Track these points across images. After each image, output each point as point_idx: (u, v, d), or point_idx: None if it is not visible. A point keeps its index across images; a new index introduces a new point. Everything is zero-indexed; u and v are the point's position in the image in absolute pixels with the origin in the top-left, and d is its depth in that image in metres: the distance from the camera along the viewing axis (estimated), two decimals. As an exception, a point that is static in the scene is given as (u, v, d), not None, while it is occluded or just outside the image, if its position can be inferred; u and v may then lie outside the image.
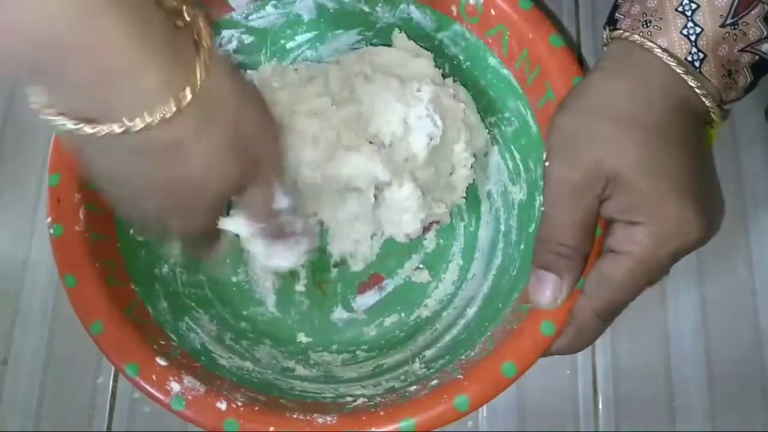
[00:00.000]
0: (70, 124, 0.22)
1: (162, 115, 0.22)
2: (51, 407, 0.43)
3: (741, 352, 0.42)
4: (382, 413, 0.30)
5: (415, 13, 0.40)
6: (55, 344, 0.44)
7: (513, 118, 0.39)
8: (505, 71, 0.38)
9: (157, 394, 0.31)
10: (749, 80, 0.29)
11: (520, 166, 0.40)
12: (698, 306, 0.43)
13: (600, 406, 0.42)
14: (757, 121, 0.46)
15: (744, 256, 0.44)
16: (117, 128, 0.22)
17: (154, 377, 0.31)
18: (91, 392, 0.43)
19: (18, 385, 0.43)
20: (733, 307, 0.43)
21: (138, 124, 0.22)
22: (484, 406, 0.42)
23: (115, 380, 0.43)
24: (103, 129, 0.22)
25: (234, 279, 0.43)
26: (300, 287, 0.43)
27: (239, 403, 0.31)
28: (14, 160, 0.48)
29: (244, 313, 0.42)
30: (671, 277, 0.43)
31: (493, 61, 0.38)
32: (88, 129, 0.22)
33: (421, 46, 0.42)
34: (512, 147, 0.41)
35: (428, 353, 0.38)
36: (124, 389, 0.43)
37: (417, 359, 0.37)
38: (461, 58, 0.41)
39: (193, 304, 0.40)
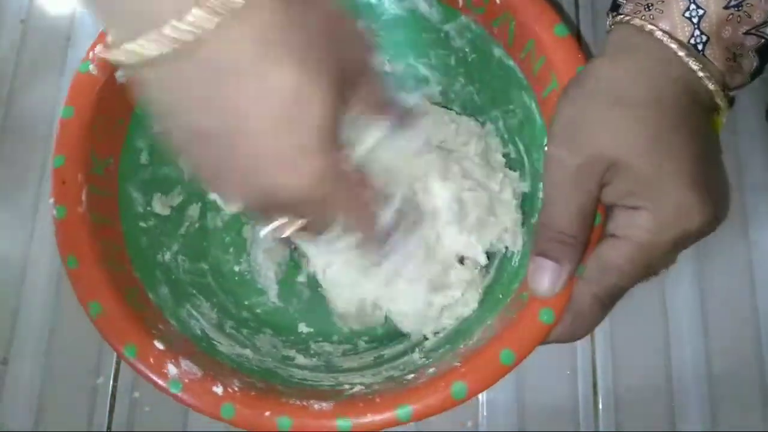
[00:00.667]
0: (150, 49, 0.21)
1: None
2: (51, 407, 0.43)
3: (741, 352, 0.42)
4: (378, 400, 0.30)
5: (421, 5, 0.40)
6: (55, 344, 0.44)
7: (517, 110, 0.39)
8: (510, 62, 0.38)
9: (154, 377, 0.31)
10: (755, 65, 0.29)
11: (525, 158, 0.40)
12: (698, 306, 0.43)
13: (600, 406, 0.41)
14: (757, 121, 0.46)
15: (744, 255, 0.43)
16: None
17: (151, 360, 0.31)
18: (91, 392, 0.43)
19: (18, 385, 0.44)
20: (732, 306, 0.43)
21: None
22: (484, 406, 0.42)
23: (115, 380, 0.43)
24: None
25: (236, 268, 0.43)
26: (302, 278, 0.43)
27: (236, 388, 0.31)
28: (14, 159, 0.49)
29: (246, 302, 0.42)
30: (670, 278, 0.43)
31: (498, 52, 0.38)
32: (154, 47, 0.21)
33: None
34: (516, 139, 0.40)
35: (428, 344, 0.38)
36: (124, 389, 0.43)
37: (417, 349, 0.37)
38: (467, 50, 0.41)
39: (194, 291, 0.40)
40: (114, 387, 0.43)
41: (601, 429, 0.41)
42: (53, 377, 0.44)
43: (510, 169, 0.41)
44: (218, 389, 0.31)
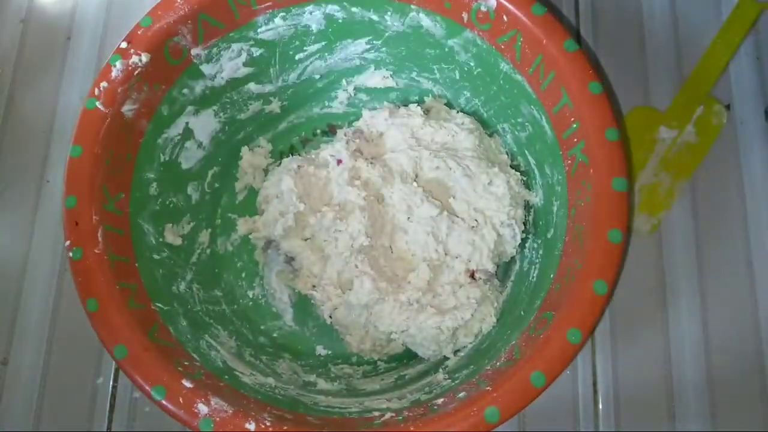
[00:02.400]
0: None
1: None
2: (51, 407, 0.43)
3: (741, 352, 0.42)
4: (412, 428, 0.30)
5: (425, 21, 0.40)
6: (55, 344, 0.44)
7: (527, 124, 0.39)
8: (517, 77, 0.38)
9: (185, 417, 0.31)
10: None
11: (536, 172, 0.40)
12: (698, 307, 0.43)
13: (600, 406, 0.42)
14: (757, 122, 0.46)
15: (744, 256, 0.43)
16: None
17: (180, 400, 0.31)
18: (91, 392, 0.43)
19: (18, 385, 0.43)
20: (732, 306, 0.43)
21: None
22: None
23: (115, 380, 0.43)
24: None
25: (250, 293, 0.43)
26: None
27: (267, 423, 0.31)
28: (14, 160, 0.48)
29: (262, 327, 0.42)
30: (671, 279, 0.43)
31: (505, 66, 0.38)
32: None
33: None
34: (526, 152, 0.40)
35: (450, 363, 0.38)
36: (124, 389, 0.43)
37: (440, 369, 0.37)
38: (472, 64, 0.41)
39: (211, 321, 0.39)
40: (114, 387, 0.43)
41: (601, 429, 0.41)
42: (53, 377, 0.43)
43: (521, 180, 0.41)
44: (250, 425, 0.31)
